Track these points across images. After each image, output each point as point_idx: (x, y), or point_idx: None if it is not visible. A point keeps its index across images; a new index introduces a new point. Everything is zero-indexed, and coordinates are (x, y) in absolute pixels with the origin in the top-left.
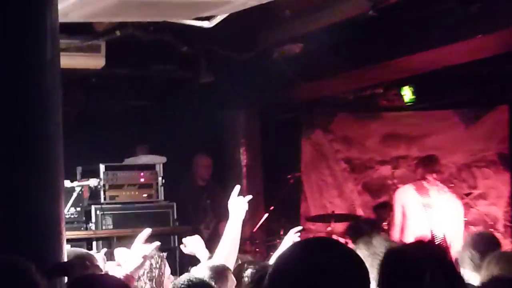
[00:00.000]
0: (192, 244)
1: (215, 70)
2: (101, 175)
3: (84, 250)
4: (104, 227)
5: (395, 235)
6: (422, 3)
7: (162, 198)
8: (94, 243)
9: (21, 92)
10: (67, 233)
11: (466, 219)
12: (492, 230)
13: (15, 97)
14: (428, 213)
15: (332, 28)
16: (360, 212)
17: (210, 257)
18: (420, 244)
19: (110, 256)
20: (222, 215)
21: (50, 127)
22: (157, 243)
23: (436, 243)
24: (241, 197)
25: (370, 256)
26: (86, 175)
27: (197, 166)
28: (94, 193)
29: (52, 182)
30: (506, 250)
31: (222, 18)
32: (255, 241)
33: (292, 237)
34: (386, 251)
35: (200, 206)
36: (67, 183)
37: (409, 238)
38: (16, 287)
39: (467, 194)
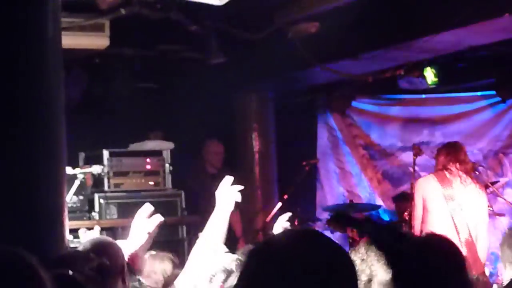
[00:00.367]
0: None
1: (226, 51)
2: (105, 162)
3: (106, 239)
4: (108, 217)
5: (416, 227)
6: None
7: (170, 186)
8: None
9: (20, 74)
10: (70, 222)
11: (492, 209)
12: None
13: (15, 79)
14: (451, 205)
15: (350, 6)
16: (379, 201)
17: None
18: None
19: None
20: (234, 205)
21: (51, 110)
22: (160, 219)
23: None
24: (232, 187)
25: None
26: (89, 161)
27: (208, 153)
28: (97, 181)
29: (54, 169)
30: None
31: None
32: (269, 231)
33: (282, 223)
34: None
35: (210, 195)
36: (69, 170)
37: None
38: (17, 280)
39: (494, 183)
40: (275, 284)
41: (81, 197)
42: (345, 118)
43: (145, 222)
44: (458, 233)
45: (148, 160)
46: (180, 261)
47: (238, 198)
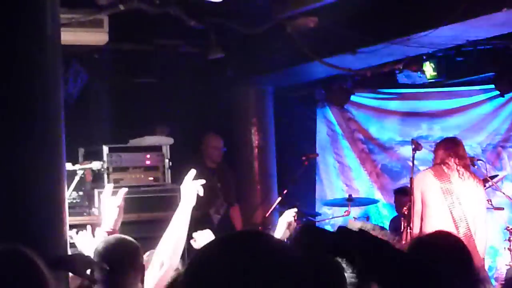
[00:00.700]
0: (203, 240)
1: (224, 46)
2: (105, 157)
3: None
4: None
5: (415, 222)
6: None
7: (169, 181)
8: (98, 229)
9: (19, 70)
10: (69, 218)
11: (490, 203)
12: None
13: (14, 76)
14: (449, 200)
15: (348, 1)
16: (378, 195)
17: None
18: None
19: None
20: (233, 199)
21: (50, 106)
22: (125, 190)
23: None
24: (194, 181)
25: None
26: (89, 157)
27: (207, 147)
28: (97, 176)
29: (54, 165)
30: None
31: None
32: (268, 226)
33: (286, 218)
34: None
35: (210, 190)
36: (69, 166)
37: (429, 226)
38: (19, 277)
39: (492, 177)
40: None
41: (80, 193)
42: (344, 112)
43: (111, 199)
44: (456, 228)
45: (147, 155)
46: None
47: (200, 191)
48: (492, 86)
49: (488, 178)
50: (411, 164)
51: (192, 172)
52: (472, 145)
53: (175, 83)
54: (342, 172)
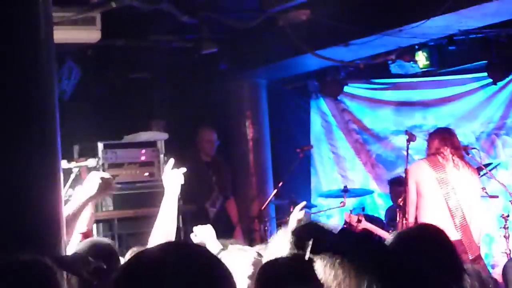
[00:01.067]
0: (203, 234)
1: (217, 40)
2: (100, 154)
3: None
4: (104, 209)
5: (411, 213)
6: None
7: None
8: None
9: (12, 68)
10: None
11: (485, 191)
12: None
13: (7, 74)
14: (444, 189)
15: None
16: (374, 185)
17: (222, 249)
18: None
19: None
20: (228, 192)
21: (44, 104)
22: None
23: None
24: (175, 170)
25: None
26: (84, 153)
27: (201, 141)
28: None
29: (49, 163)
30: None
31: None
32: (264, 219)
33: (297, 215)
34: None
35: (205, 183)
36: (64, 164)
37: (425, 216)
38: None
39: (487, 165)
40: None
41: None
42: (337, 103)
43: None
44: (452, 217)
45: (142, 151)
46: None
47: (182, 180)
48: (485, 74)
49: (482, 167)
50: (405, 154)
51: (171, 161)
52: (466, 133)
53: (169, 78)
54: (337, 163)
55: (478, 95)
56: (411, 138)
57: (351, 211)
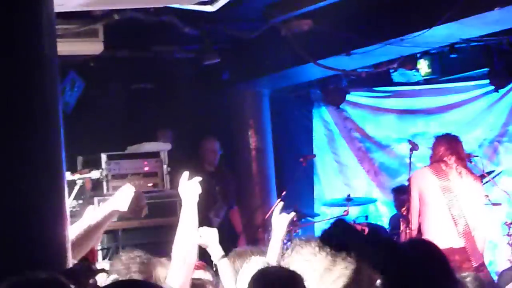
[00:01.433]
0: (208, 237)
1: (220, 49)
2: (103, 165)
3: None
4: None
5: (414, 221)
6: None
7: (168, 187)
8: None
9: (16, 81)
10: (71, 227)
11: (488, 199)
12: None
13: (10, 86)
14: (448, 197)
15: (341, 3)
16: (377, 193)
17: (223, 256)
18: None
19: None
20: (232, 201)
21: (49, 117)
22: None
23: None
24: (190, 180)
25: None
26: (88, 165)
27: (204, 151)
28: (96, 184)
29: (54, 175)
30: None
31: (225, 2)
32: (268, 228)
33: (286, 221)
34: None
35: (209, 193)
36: (68, 176)
37: (428, 224)
38: None
39: (489, 172)
40: None
41: (80, 201)
42: (340, 112)
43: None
44: (455, 225)
45: (146, 162)
46: None
47: (199, 189)
48: (487, 81)
49: (485, 174)
50: (408, 161)
51: (186, 174)
52: (468, 141)
53: (172, 89)
54: (340, 171)
55: (480, 102)
56: (414, 147)
57: (354, 220)
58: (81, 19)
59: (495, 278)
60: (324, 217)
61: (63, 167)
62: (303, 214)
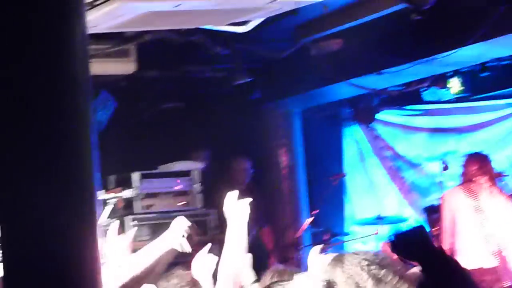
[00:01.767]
0: (199, 268)
1: (250, 69)
2: (135, 184)
3: None
4: (140, 238)
5: (446, 240)
6: None
7: (199, 205)
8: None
9: (51, 102)
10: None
11: None
12: None
13: (45, 108)
14: (479, 217)
15: (372, 23)
16: (408, 212)
17: (256, 280)
18: None
19: None
20: (263, 221)
21: (82, 136)
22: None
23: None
24: (240, 200)
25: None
26: (119, 184)
27: (235, 170)
28: (128, 203)
29: (87, 195)
30: None
31: (258, 23)
32: (299, 246)
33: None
34: None
35: None
36: (101, 195)
37: (459, 244)
38: None
39: None
40: None
41: (113, 220)
42: (370, 130)
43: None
44: (487, 245)
45: (177, 181)
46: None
47: (248, 210)
48: None
49: None
50: (439, 181)
51: (233, 194)
52: (499, 159)
53: (202, 108)
54: (371, 190)
55: (511, 121)
56: (446, 167)
57: (387, 240)
58: (113, 40)
59: None
60: (354, 236)
61: (96, 186)
62: (334, 233)
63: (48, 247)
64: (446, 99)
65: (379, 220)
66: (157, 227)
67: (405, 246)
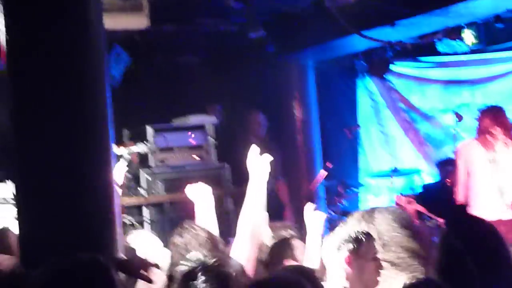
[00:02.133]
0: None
1: (264, 22)
2: (149, 138)
3: None
4: (154, 192)
5: (460, 193)
6: None
7: (214, 159)
8: (145, 209)
9: (64, 54)
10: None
11: None
12: None
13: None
14: (494, 169)
15: None
16: (423, 165)
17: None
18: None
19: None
20: (278, 173)
21: (96, 91)
22: None
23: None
24: (261, 156)
25: None
26: (134, 138)
27: (250, 124)
28: (142, 157)
29: (101, 148)
30: None
31: None
32: (313, 200)
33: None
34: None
35: None
36: (115, 149)
37: (474, 195)
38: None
39: None
40: None
41: (127, 174)
42: (384, 83)
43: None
44: (502, 196)
45: (192, 134)
46: (227, 232)
47: (268, 168)
48: None
49: None
50: (453, 132)
51: (255, 147)
52: None
53: (217, 62)
54: (385, 142)
55: None
56: (459, 119)
57: (401, 193)
58: None
59: None
60: (368, 188)
61: (111, 139)
62: (348, 185)
63: (64, 202)
64: (460, 51)
65: (394, 172)
66: (172, 181)
67: (432, 199)
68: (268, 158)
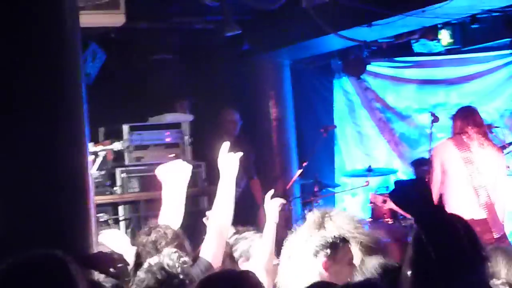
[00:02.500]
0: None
1: (240, 20)
2: (125, 136)
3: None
4: (130, 190)
5: (435, 192)
6: None
7: (190, 157)
8: (121, 207)
9: (39, 53)
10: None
11: (510, 170)
12: None
13: (33, 58)
14: (469, 168)
15: None
16: (398, 164)
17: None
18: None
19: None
20: (252, 172)
21: (71, 88)
22: None
23: None
24: (231, 153)
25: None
26: (109, 136)
27: (224, 122)
28: (118, 155)
29: (77, 146)
30: None
31: None
32: (289, 198)
33: (272, 204)
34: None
35: None
36: (91, 147)
37: (450, 197)
38: (55, 284)
39: (511, 143)
40: None
41: (102, 172)
42: (360, 82)
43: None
44: (477, 196)
45: (167, 133)
46: (202, 231)
47: (237, 164)
48: (508, 51)
49: (506, 145)
50: (429, 132)
51: (226, 144)
52: (489, 111)
53: (193, 60)
54: (361, 142)
55: (501, 73)
56: (435, 119)
57: (376, 191)
58: None
59: None
60: (344, 188)
61: (86, 137)
62: (324, 185)
63: (38, 200)
64: (436, 51)
65: (369, 172)
66: (147, 179)
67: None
68: (238, 156)
